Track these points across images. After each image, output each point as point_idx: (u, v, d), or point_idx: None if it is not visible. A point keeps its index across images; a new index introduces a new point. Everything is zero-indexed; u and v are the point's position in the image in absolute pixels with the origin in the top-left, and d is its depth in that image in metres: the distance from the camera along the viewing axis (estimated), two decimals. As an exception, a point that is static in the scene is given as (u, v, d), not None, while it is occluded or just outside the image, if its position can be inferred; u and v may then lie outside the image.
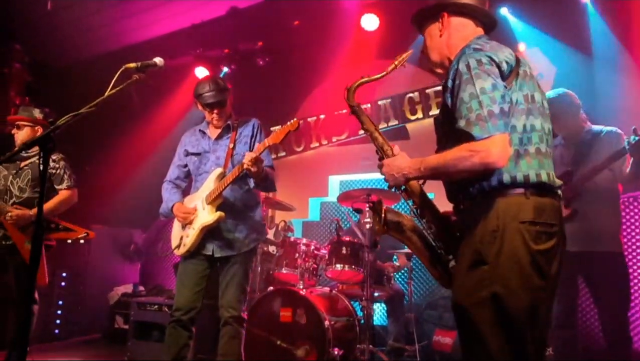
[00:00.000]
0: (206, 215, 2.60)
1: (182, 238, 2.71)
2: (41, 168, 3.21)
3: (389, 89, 4.94)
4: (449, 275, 1.64)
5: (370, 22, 4.80)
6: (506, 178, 1.48)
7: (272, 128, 5.52)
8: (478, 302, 1.44)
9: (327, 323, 3.06)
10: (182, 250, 2.67)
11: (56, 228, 3.34)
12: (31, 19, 5.42)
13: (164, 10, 5.44)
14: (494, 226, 1.45)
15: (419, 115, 4.77)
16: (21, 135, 3.38)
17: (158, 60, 2.20)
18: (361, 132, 4.97)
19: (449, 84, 1.57)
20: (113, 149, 5.78)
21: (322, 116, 5.33)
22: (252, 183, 2.72)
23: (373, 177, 5.11)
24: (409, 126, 4.86)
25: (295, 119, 2.43)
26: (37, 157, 3.36)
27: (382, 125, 4.95)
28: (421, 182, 1.71)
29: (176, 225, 2.80)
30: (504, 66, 1.52)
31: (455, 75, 1.53)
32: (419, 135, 4.77)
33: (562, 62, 4.09)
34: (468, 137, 1.45)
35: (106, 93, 1.96)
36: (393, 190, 1.72)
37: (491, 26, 1.76)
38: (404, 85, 4.84)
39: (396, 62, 1.82)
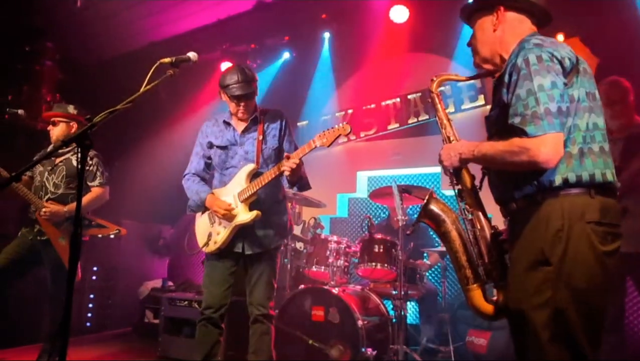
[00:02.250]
0: (242, 214, 2.53)
1: (210, 235, 2.63)
2: (77, 165, 3.22)
3: (418, 82, 4.81)
4: (481, 287, 1.60)
5: (399, 13, 4.68)
6: (571, 177, 1.44)
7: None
8: (540, 304, 1.39)
9: (360, 323, 3.00)
10: (213, 247, 2.60)
11: (89, 224, 3.38)
12: (61, 17, 5.49)
13: (191, 6, 5.43)
14: (558, 226, 1.40)
15: (451, 109, 4.62)
16: (56, 131, 3.41)
17: (192, 54, 2.17)
18: (390, 127, 4.93)
19: (506, 79, 1.53)
20: (142, 145, 5.83)
21: (350, 111, 5.23)
22: (285, 182, 2.65)
23: (402, 173, 5.01)
24: (440, 120, 4.71)
25: (346, 123, 2.36)
26: (72, 154, 3.40)
27: (412, 120, 4.83)
28: (476, 181, 1.70)
29: (202, 222, 2.72)
30: (567, 62, 1.47)
31: (513, 70, 1.50)
32: (451, 130, 4.62)
33: (604, 52, 3.90)
34: (521, 134, 1.43)
35: (142, 89, 1.94)
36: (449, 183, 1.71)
37: (546, 22, 1.70)
38: (435, 78, 4.71)
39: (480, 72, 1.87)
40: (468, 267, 1.61)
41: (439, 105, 1.82)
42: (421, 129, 4.80)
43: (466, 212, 1.65)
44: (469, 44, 1.78)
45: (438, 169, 4.68)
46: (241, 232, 2.59)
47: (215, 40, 5.71)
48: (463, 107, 4.56)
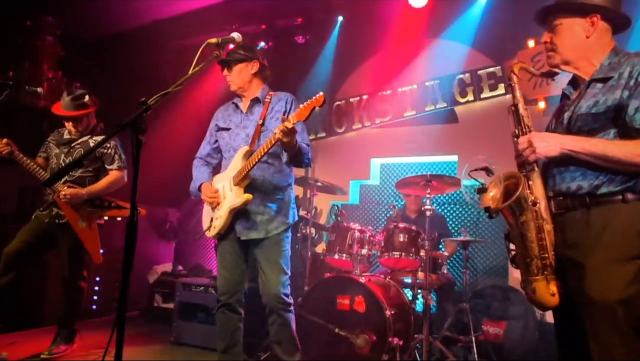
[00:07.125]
0: (233, 197, 2.48)
1: (212, 219, 2.62)
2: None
3: (437, 70, 4.74)
4: (546, 279, 1.59)
5: (418, -2, 4.58)
6: None
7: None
8: (630, 297, 1.43)
9: (388, 312, 2.98)
10: (213, 232, 2.60)
11: (108, 206, 3.31)
12: (63, -9, 5.28)
13: (199, -17, 5.26)
14: None
15: (470, 97, 4.57)
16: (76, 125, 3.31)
17: (236, 35, 2.20)
18: (407, 114, 4.86)
19: (631, 82, 1.55)
20: (147, 128, 5.69)
21: (365, 97, 5.15)
22: (284, 157, 2.50)
23: (417, 161, 4.97)
24: (457, 109, 4.66)
25: (320, 93, 2.26)
26: (89, 137, 3.31)
27: (429, 107, 4.77)
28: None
29: (207, 206, 2.70)
30: None
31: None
32: (469, 119, 4.58)
33: None
34: None
35: (190, 72, 1.90)
36: (524, 169, 1.66)
37: (623, 30, 1.75)
38: (454, 65, 4.64)
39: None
40: (539, 257, 1.59)
41: (518, 92, 1.76)
42: (438, 117, 4.74)
43: (534, 203, 1.62)
44: (546, 42, 1.75)
45: (454, 158, 4.65)
46: (238, 217, 2.53)
47: (223, 20, 5.52)
48: (482, 95, 4.50)
